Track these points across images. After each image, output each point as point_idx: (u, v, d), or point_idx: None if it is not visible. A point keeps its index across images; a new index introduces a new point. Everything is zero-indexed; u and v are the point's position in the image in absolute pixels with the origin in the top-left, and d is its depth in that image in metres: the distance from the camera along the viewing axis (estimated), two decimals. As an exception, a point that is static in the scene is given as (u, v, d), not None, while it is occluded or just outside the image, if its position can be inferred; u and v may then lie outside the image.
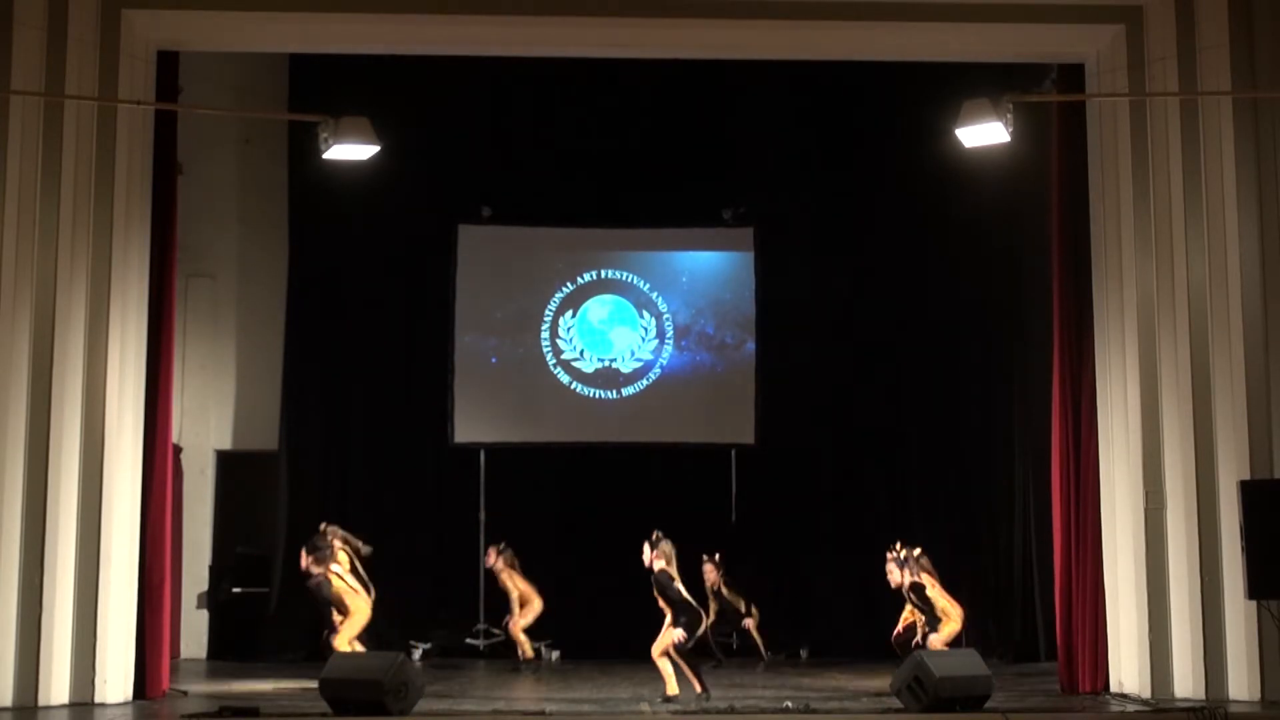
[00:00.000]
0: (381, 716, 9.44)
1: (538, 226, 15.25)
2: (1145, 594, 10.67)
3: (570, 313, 15.23)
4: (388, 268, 15.04)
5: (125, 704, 10.50)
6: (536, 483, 14.75)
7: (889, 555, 12.21)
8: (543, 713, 9.98)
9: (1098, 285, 11.20)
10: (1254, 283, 10.69)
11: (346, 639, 11.47)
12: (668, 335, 15.21)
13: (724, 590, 13.86)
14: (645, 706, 10.54)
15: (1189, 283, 10.79)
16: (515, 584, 13.31)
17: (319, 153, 10.61)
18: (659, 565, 10.85)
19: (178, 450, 13.99)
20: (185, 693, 11.27)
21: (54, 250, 10.57)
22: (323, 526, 11.98)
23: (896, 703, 10.03)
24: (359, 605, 11.60)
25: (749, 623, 13.90)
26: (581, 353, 15.18)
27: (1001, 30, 11.25)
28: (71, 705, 10.28)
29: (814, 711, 10.05)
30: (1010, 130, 10.31)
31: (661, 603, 10.88)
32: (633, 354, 15.21)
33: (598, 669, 12.94)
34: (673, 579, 10.86)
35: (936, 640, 11.83)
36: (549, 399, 15.11)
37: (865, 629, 13.81)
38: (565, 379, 15.15)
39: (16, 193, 10.49)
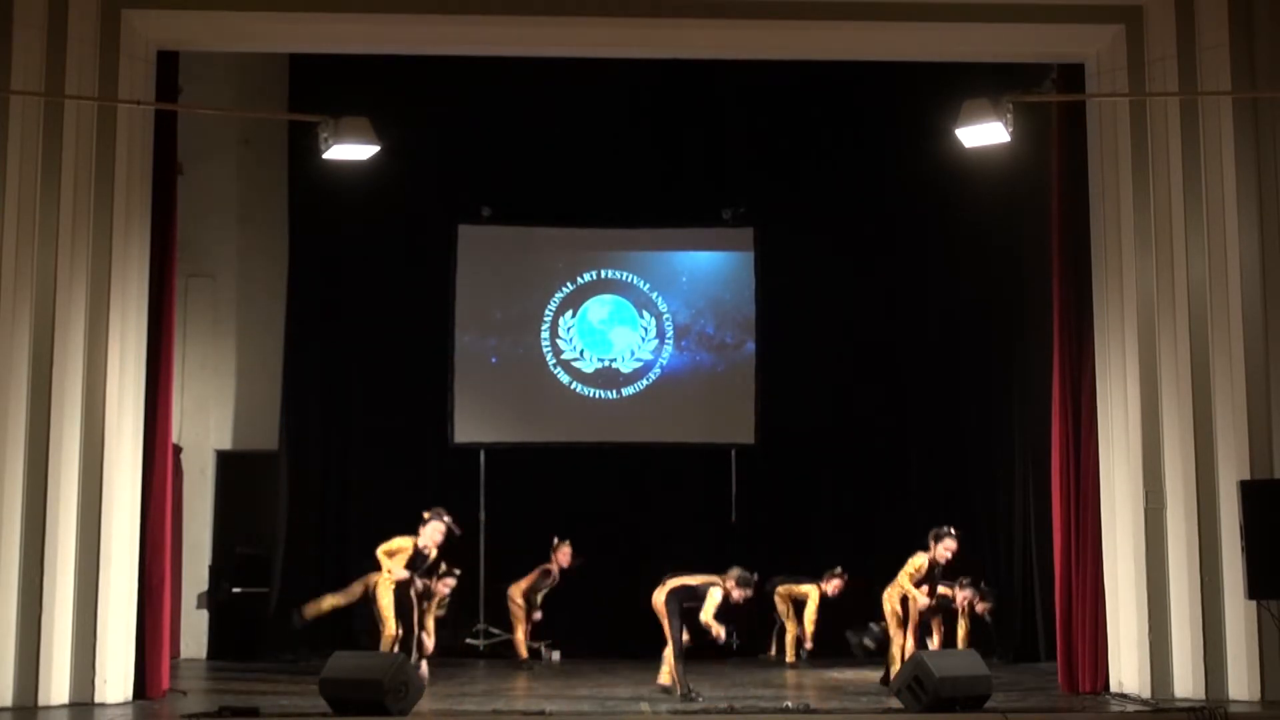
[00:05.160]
0: (381, 716, 9.44)
1: (538, 226, 15.25)
2: (1145, 594, 10.67)
3: (570, 313, 15.23)
4: (388, 268, 15.03)
5: (125, 704, 10.50)
6: (536, 483, 14.73)
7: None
8: (543, 712, 9.98)
9: (1098, 285, 11.20)
10: (1254, 283, 10.69)
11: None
12: (668, 335, 15.21)
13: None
14: (645, 706, 10.55)
15: (1189, 283, 10.80)
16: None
17: (319, 153, 10.61)
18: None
19: (178, 450, 13.98)
20: (185, 693, 11.27)
21: (54, 250, 10.57)
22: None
23: (896, 702, 10.04)
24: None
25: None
26: (581, 353, 15.18)
27: (1001, 30, 11.25)
28: (71, 705, 10.28)
29: (814, 711, 10.05)
30: (1010, 130, 10.31)
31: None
32: (633, 354, 15.21)
33: (598, 669, 12.94)
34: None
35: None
36: (549, 399, 15.11)
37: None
38: (565, 379, 15.14)
39: (16, 193, 10.49)
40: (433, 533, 11.86)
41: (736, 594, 11.18)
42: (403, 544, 11.82)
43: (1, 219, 10.44)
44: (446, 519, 11.95)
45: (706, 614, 11.03)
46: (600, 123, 14.99)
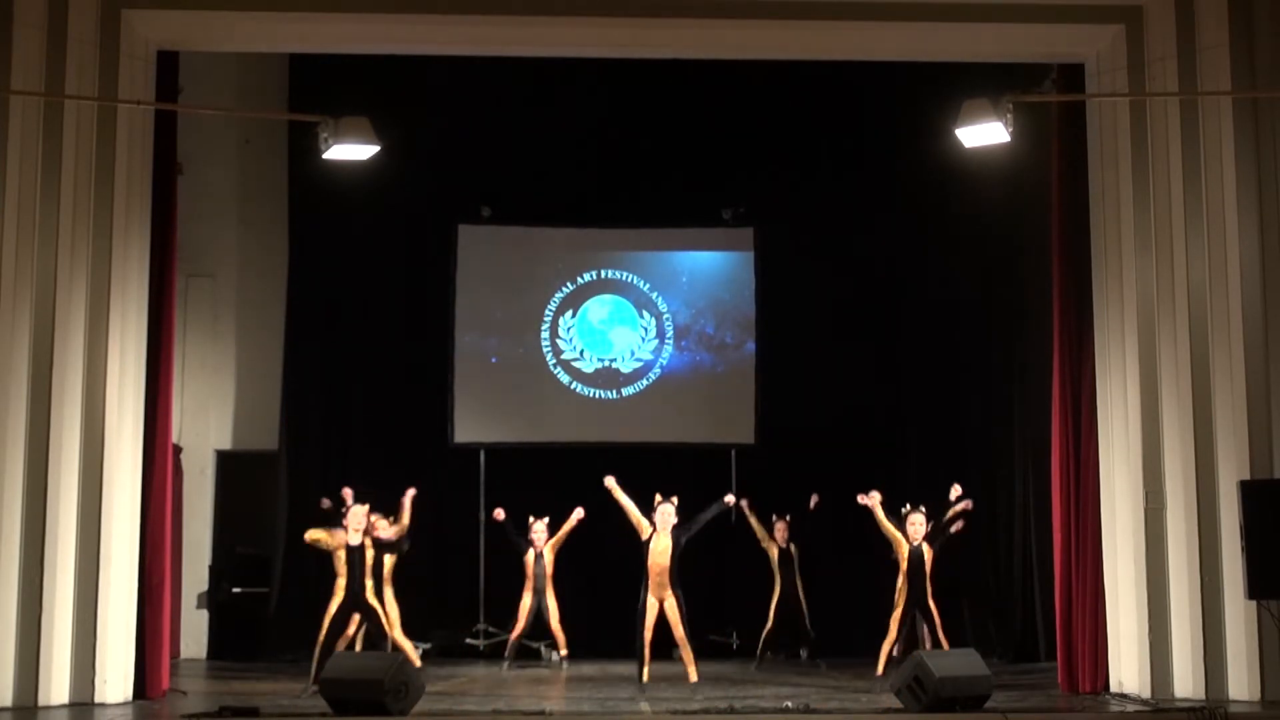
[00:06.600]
0: (381, 716, 9.44)
1: (538, 226, 15.25)
2: (1145, 594, 10.67)
3: (570, 313, 15.23)
4: (388, 268, 15.04)
5: (125, 704, 10.50)
6: (536, 483, 14.72)
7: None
8: (543, 712, 9.98)
9: (1098, 285, 11.20)
10: (1254, 283, 10.69)
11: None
12: (668, 335, 15.21)
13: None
14: (645, 706, 10.55)
15: (1189, 283, 10.80)
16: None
17: (319, 153, 10.61)
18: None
19: (178, 450, 13.98)
20: (185, 693, 11.27)
21: (54, 250, 10.57)
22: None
23: (896, 702, 10.04)
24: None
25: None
26: (581, 353, 15.18)
27: (1001, 30, 11.25)
28: (71, 705, 10.27)
29: (814, 711, 10.05)
30: (1010, 130, 10.31)
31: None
32: (633, 354, 15.21)
33: (598, 669, 12.94)
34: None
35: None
36: (549, 399, 15.11)
37: (865, 629, 13.78)
38: (565, 379, 15.14)
39: (16, 193, 10.49)
40: (354, 520, 11.74)
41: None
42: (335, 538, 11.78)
43: (1, 219, 10.44)
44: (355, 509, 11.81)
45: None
46: (600, 123, 15.00)
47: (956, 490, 12.22)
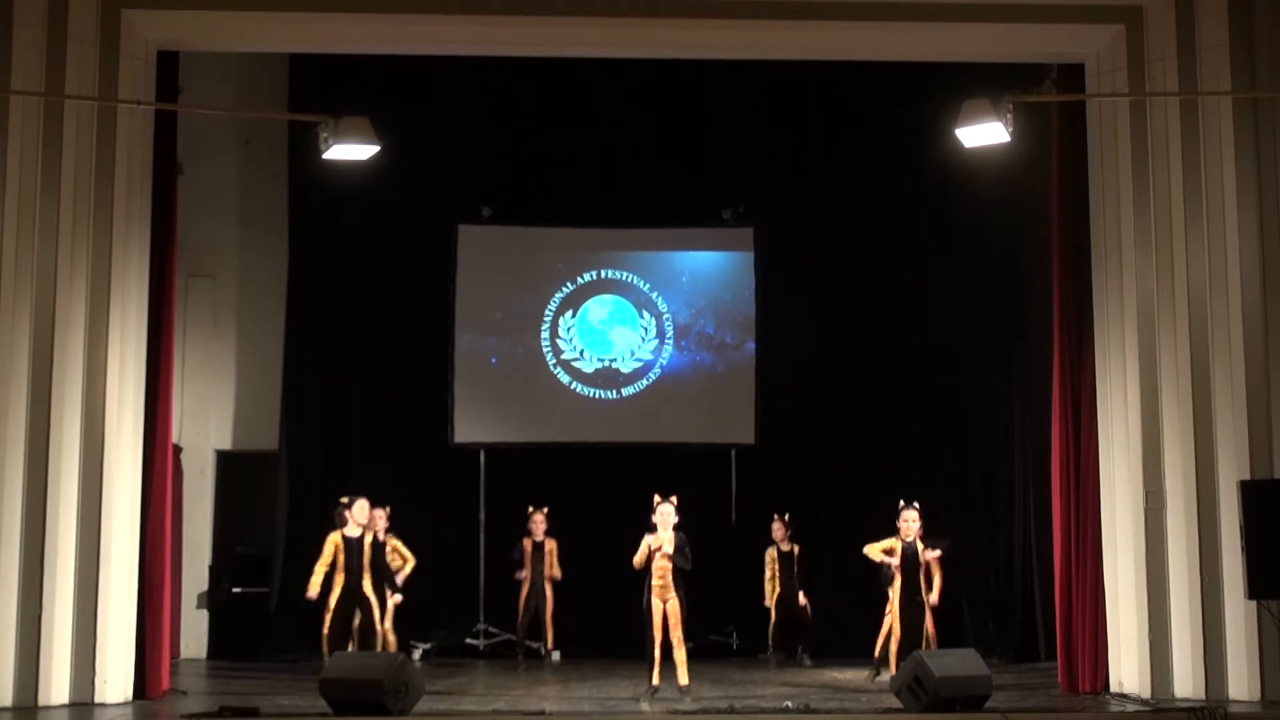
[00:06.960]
0: (381, 716, 9.44)
1: (538, 226, 15.25)
2: (1145, 594, 10.68)
3: (570, 313, 15.22)
4: (388, 268, 15.04)
5: (125, 704, 10.50)
6: (536, 483, 14.72)
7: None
8: (543, 713, 9.98)
9: (1098, 285, 11.20)
10: (1254, 283, 10.69)
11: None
12: (668, 335, 15.20)
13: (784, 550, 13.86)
14: (645, 706, 10.56)
15: (1189, 283, 10.80)
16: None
17: (319, 153, 10.61)
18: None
19: (178, 450, 13.98)
20: (185, 693, 11.27)
21: (54, 250, 10.58)
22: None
23: (896, 702, 10.04)
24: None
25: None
26: (581, 353, 15.18)
27: (1001, 30, 11.25)
28: (71, 705, 10.28)
29: (814, 711, 10.06)
30: (1010, 130, 10.31)
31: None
32: (633, 354, 15.20)
33: (598, 669, 12.94)
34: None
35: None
36: (549, 399, 15.11)
37: (865, 629, 13.78)
38: (565, 379, 15.14)
39: (16, 193, 10.50)
40: (359, 514, 11.93)
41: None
42: (333, 542, 11.95)
43: (1, 219, 10.45)
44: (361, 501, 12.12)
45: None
46: (600, 123, 15.00)
47: (932, 553, 12.13)
